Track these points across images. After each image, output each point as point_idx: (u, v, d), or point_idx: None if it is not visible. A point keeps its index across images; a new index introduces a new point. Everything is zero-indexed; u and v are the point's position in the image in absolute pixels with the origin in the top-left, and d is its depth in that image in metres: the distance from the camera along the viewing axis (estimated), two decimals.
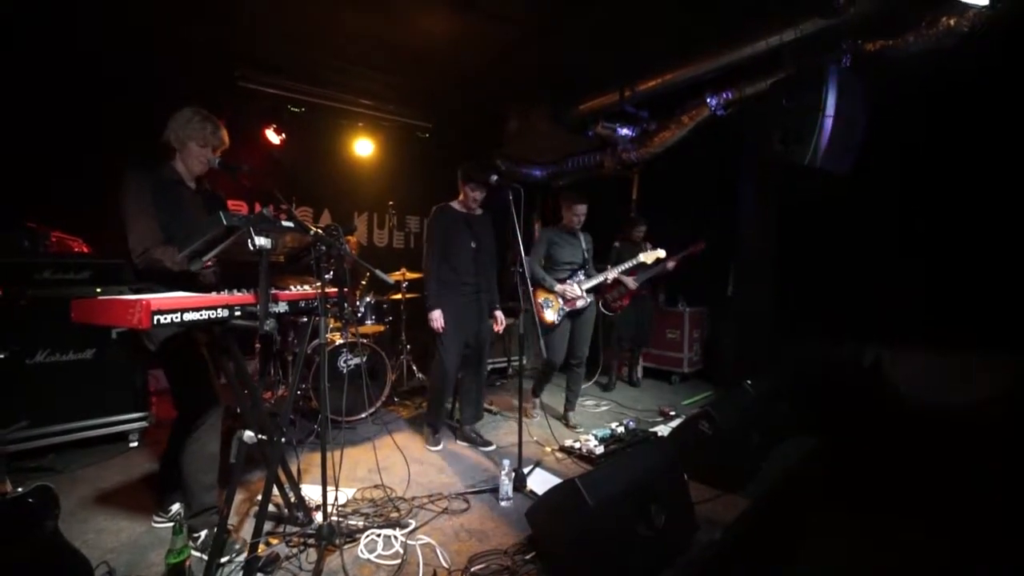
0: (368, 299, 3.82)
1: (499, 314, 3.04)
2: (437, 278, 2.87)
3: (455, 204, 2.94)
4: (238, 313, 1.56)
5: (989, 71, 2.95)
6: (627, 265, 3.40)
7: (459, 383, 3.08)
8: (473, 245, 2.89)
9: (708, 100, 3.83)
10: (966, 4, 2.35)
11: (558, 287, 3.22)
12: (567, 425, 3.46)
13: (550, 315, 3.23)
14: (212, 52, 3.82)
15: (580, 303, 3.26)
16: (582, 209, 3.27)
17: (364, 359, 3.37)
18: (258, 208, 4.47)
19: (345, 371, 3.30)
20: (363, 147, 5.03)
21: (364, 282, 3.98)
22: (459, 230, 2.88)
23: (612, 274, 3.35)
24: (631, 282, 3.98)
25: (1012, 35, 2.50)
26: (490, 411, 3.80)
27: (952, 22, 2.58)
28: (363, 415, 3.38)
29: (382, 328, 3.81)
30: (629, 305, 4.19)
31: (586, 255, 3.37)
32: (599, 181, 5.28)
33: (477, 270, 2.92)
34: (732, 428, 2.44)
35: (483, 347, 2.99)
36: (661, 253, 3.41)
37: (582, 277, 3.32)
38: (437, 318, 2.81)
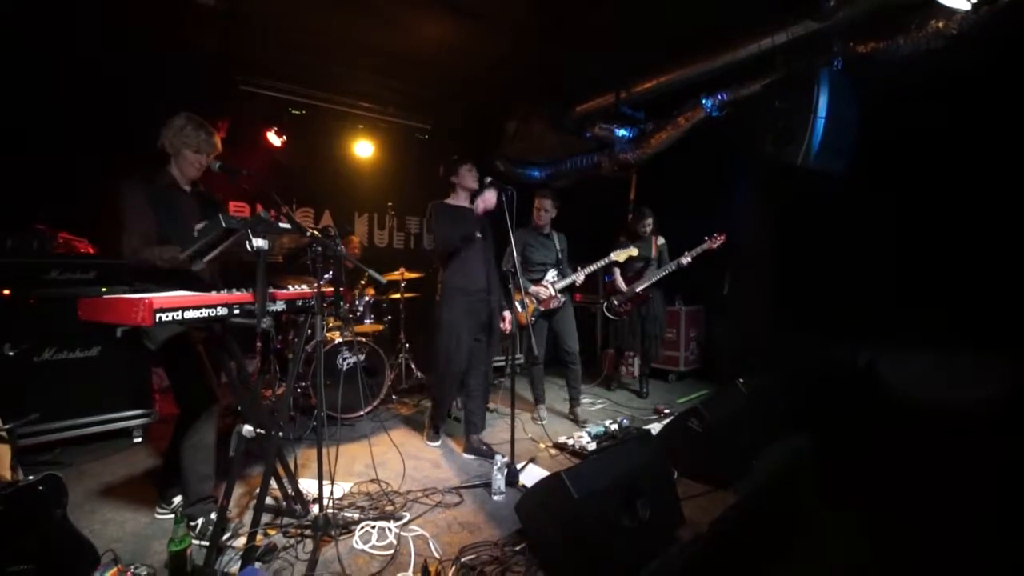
0: (367, 298, 3.88)
1: (507, 314, 2.95)
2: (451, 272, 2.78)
3: (449, 200, 2.88)
4: (237, 311, 1.63)
5: (981, 71, 2.97)
6: (597, 266, 3.44)
7: (467, 389, 2.92)
8: (479, 235, 2.78)
9: (703, 101, 3.88)
10: (951, 8, 2.38)
11: (532, 288, 3.29)
12: (576, 422, 3.47)
13: (524, 316, 3.27)
14: (215, 56, 3.89)
15: (554, 303, 3.34)
16: (547, 204, 3.31)
17: (363, 357, 3.43)
18: (259, 210, 4.53)
19: (343, 369, 3.36)
20: (363, 149, 5.10)
21: (364, 281, 4.04)
22: (463, 222, 2.75)
23: (581, 276, 3.37)
24: (620, 283, 3.87)
25: (1002, 37, 2.53)
26: (488, 410, 3.84)
27: (940, 25, 2.61)
28: (361, 412, 3.44)
29: (381, 327, 3.87)
30: (635, 311, 4.09)
31: (560, 255, 3.42)
32: (597, 182, 5.32)
33: (483, 267, 2.80)
34: (722, 426, 2.48)
35: (492, 350, 2.91)
36: (634, 251, 3.47)
37: (555, 277, 3.38)
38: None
